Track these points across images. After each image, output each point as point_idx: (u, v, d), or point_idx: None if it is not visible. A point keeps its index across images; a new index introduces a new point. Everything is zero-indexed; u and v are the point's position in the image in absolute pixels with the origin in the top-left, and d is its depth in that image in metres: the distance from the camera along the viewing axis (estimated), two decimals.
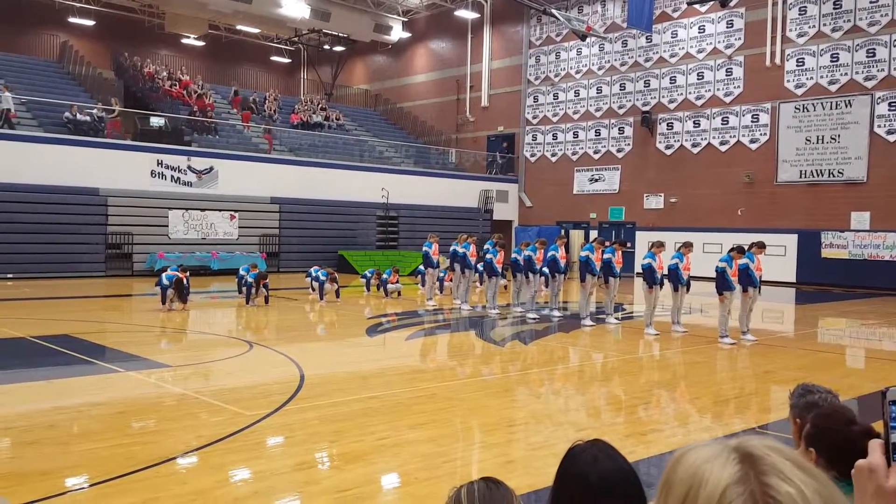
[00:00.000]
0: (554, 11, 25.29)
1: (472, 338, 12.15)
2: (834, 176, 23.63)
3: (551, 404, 7.65)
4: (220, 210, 24.09)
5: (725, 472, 0.82)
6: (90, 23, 33.88)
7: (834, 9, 23.65)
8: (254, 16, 31.58)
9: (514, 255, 15.31)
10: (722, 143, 26.29)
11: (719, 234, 24.43)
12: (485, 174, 32.43)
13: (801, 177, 24.34)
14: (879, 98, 22.75)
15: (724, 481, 0.81)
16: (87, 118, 22.97)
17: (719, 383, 8.97)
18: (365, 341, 11.51)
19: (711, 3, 24.98)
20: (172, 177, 23.35)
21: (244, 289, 15.75)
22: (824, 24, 23.93)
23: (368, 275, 19.08)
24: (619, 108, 29.20)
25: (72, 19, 33.51)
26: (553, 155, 31.40)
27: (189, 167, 23.70)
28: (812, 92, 24.12)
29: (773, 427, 6.44)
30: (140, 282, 19.89)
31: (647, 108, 28.06)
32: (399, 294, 18.22)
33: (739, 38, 25.84)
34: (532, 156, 32.18)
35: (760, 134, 25.33)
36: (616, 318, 13.87)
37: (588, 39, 27.60)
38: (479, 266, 16.54)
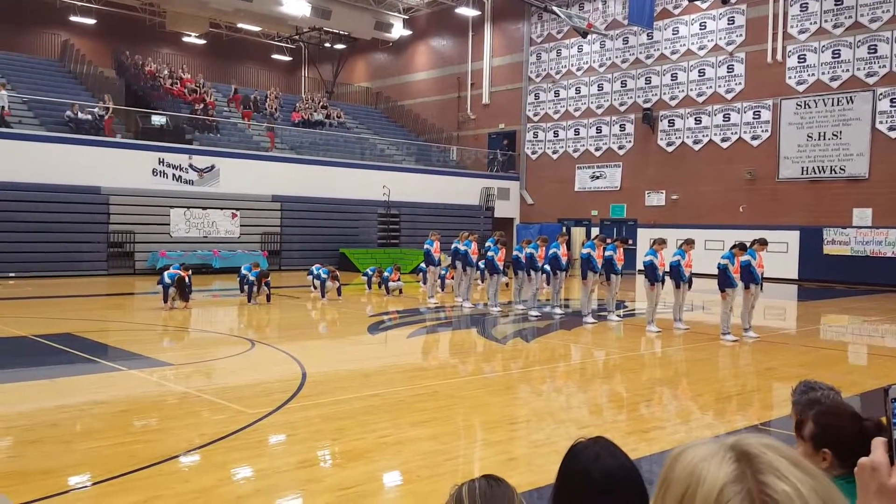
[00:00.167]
0: (555, 8, 25.26)
1: (473, 335, 12.15)
2: (836, 172, 23.59)
3: (553, 402, 7.65)
4: (221, 208, 24.11)
5: (722, 471, 0.82)
6: (91, 21, 33.90)
7: (835, 5, 23.59)
8: (255, 14, 31.58)
9: (515, 253, 15.32)
10: (723, 140, 26.25)
11: (721, 231, 24.40)
12: (486, 172, 32.40)
13: (802, 173, 24.31)
14: (881, 94, 22.71)
15: (721, 480, 0.81)
16: (89, 117, 22.97)
17: (721, 380, 8.97)
18: (366, 339, 11.51)
19: None
20: (174, 175, 23.37)
21: (246, 287, 15.75)
22: (826, 21, 23.87)
23: (370, 273, 19.09)
24: (621, 105, 29.16)
25: (73, 18, 33.52)
26: (554, 152, 31.37)
27: (190, 165, 23.71)
28: (813, 88, 24.07)
29: (775, 424, 6.44)
30: (142, 280, 19.90)
31: (648, 105, 28.01)
32: (400, 292, 18.21)
33: (741, 35, 25.78)
34: (533, 153, 32.15)
35: (762, 130, 25.29)
36: (618, 316, 13.88)
37: (589, 36, 27.57)
38: (480, 264, 16.52)
